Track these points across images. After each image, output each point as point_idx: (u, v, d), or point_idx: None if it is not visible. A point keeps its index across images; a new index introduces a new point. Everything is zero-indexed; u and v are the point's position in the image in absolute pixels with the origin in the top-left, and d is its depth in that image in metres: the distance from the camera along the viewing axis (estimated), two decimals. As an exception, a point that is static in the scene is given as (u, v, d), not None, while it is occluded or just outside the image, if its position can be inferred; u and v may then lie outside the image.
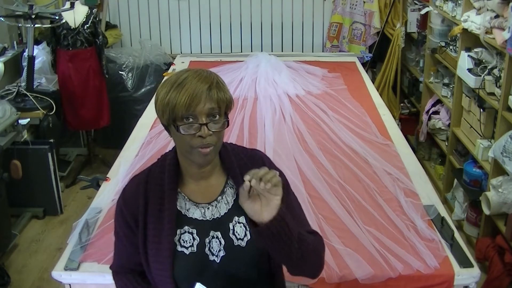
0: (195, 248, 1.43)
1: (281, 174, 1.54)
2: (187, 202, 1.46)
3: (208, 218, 1.45)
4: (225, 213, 1.46)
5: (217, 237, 1.44)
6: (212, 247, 1.43)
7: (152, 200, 1.45)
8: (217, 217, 1.45)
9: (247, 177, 1.27)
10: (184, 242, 1.43)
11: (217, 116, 1.37)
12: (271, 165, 1.54)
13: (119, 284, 1.56)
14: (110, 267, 1.59)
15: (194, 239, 1.43)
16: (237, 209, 1.45)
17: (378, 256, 2.02)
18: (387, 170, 2.67)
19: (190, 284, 1.41)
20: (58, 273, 1.98)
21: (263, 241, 1.31)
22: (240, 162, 1.50)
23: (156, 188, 1.45)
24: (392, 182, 2.56)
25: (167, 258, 1.41)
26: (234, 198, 1.48)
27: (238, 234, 1.44)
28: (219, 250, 1.43)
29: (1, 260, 3.33)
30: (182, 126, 1.35)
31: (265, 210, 1.29)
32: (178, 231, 1.44)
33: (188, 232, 1.44)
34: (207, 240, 1.44)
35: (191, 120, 1.35)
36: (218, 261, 1.43)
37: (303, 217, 1.54)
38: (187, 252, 1.43)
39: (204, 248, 1.43)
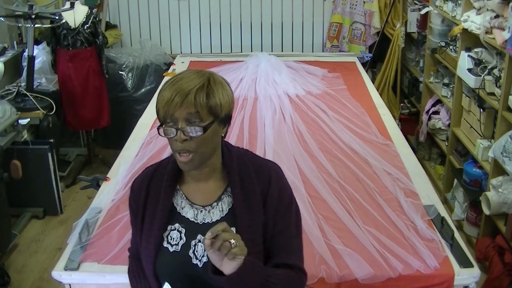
0: (179, 248, 1.43)
1: (289, 192, 1.49)
2: (183, 200, 1.47)
3: (198, 221, 1.44)
4: (217, 220, 1.44)
5: (203, 242, 1.41)
6: (196, 251, 1.42)
7: (152, 194, 1.47)
8: (208, 222, 1.44)
9: (208, 235, 1.23)
10: (171, 239, 1.44)
11: (197, 121, 1.33)
12: (278, 179, 1.48)
13: (129, 266, 1.61)
14: (128, 249, 1.64)
15: (181, 238, 1.43)
16: (230, 218, 1.43)
17: (378, 256, 2.02)
18: (387, 170, 2.67)
19: (162, 283, 1.44)
20: (58, 273, 1.98)
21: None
22: (243, 171, 1.45)
23: (158, 183, 1.47)
24: (392, 182, 2.56)
25: (152, 251, 1.43)
26: (229, 207, 1.45)
27: None
28: (203, 256, 1.42)
29: (1, 260, 3.33)
30: (161, 129, 1.36)
31: (225, 264, 1.26)
32: (169, 227, 1.45)
33: (178, 230, 1.44)
34: (193, 242, 1.43)
35: (170, 124, 1.35)
36: (200, 266, 1.41)
37: (296, 246, 1.47)
38: (170, 249, 1.43)
39: (188, 250, 1.42)
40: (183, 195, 1.47)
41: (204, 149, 1.37)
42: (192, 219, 1.45)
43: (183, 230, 1.44)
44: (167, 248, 1.43)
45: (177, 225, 1.44)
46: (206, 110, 1.34)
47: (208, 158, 1.41)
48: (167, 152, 1.50)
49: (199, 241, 1.43)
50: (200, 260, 1.42)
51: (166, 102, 1.33)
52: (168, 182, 1.46)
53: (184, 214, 1.45)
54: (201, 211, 1.45)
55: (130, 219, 1.56)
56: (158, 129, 1.37)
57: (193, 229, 1.44)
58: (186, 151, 1.35)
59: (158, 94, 1.38)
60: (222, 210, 1.45)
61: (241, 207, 1.42)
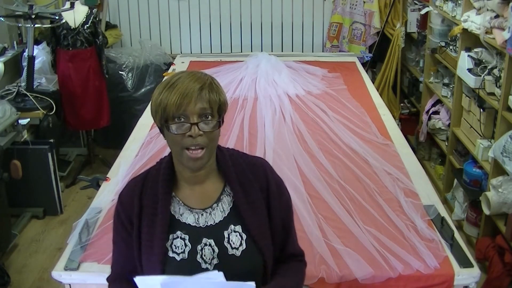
0: (186, 255, 1.41)
1: (284, 185, 1.54)
2: (181, 207, 1.45)
3: (201, 225, 1.44)
4: (220, 221, 1.44)
5: (210, 245, 1.42)
6: (204, 255, 1.41)
7: (146, 203, 1.44)
8: (211, 224, 1.44)
9: None
10: (175, 248, 1.42)
11: (209, 116, 1.36)
12: (273, 175, 1.52)
13: None
14: (107, 279, 1.55)
15: (186, 245, 1.42)
16: (233, 217, 1.44)
17: (378, 256, 2.02)
18: (387, 170, 2.67)
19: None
20: (58, 273, 1.97)
21: None
22: (238, 168, 1.47)
23: (151, 191, 1.44)
24: (392, 182, 2.56)
25: (158, 263, 1.39)
26: (230, 206, 1.45)
27: (233, 243, 1.42)
28: (213, 258, 1.41)
29: (1, 260, 3.32)
30: (173, 125, 1.35)
31: None
32: (170, 236, 1.42)
33: (181, 238, 1.42)
34: (199, 247, 1.42)
35: (182, 119, 1.34)
36: (211, 269, 1.41)
37: (294, 233, 1.56)
38: (178, 258, 1.41)
39: (195, 255, 1.41)
40: (180, 201, 1.45)
41: (213, 145, 1.39)
42: (194, 224, 1.43)
43: (186, 237, 1.42)
44: (174, 257, 1.41)
45: (178, 232, 1.43)
46: (216, 106, 1.38)
47: (211, 157, 1.42)
48: (167, 153, 1.49)
49: (205, 244, 1.42)
50: (210, 264, 1.41)
51: (176, 100, 1.32)
52: (164, 190, 1.43)
53: (184, 221, 1.44)
54: (202, 214, 1.44)
55: (118, 237, 1.48)
56: (167, 126, 1.36)
57: (197, 234, 1.43)
58: (198, 146, 1.35)
59: (158, 98, 1.37)
60: (224, 210, 1.45)
61: (243, 204, 1.43)
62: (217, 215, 1.44)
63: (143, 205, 1.44)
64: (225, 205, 1.46)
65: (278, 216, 1.47)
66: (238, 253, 1.42)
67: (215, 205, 1.45)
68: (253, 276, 1.40)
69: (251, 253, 1.42)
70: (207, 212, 1.44)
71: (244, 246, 1.42)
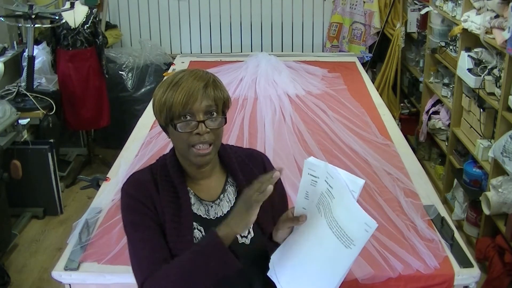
0: None
1: (281, 182, 1.55)
2: (192, 197, 1.46)
3: (212, 217, 1.45)
4: (228, 211, 1.46)
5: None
6: None
7: (164, 193, 1.41)
8: (221, 215, 1.45)
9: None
10: (195, 239, 1.42)
11: (215, 113, 1.38)
12: (270, 165, 1.57)
13: (168, 273, 1.31)
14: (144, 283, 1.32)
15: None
16: None
17: (378, 256, 2.02)
18: (387, 170, 2.67)
19: None
20: (58, 273, 1.98)
21: None
22: (239, 160, 1.51)
23: (165, 183, 1.43)
24: (392, 182, 2.56)
25: None
26: (235, 196, 1.48)
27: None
28: None
29: (1, 260, 3.32)
30: (179, 124, 1.36)
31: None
32: None
33: (198, 229, 1.43)
34: None
35: (188, 118, 1.36)
36: None
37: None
38: None
39: None
40: (191, 191, 1.47)
41: (219, 141, 1.42)
42: (205, 216, 1.45)
43: (202, 229, 1.43)
44: None
45: (195, 224, 1.43)
46: (221, 103, 1.40)
47: (217, 151, 1.44)
48: (167, 152, 1.50)
49: None
50: None
51: (182, 99, 1.33)
52: (179, 180, 1.42)
53: (195, 211, 1.44)
54: (211, 206, 1.46)
55: (144, 219, 1.37)
56: (173, 124, 1.36)
57: (210, 226, 1.41)
58: (206, 143, 1.37)
59: (161, 97, 1.37)
60: (230, 200, 1.47)
61: None
62: (225, 205, 1.46)
63: (160, 193, 1.40)
64: (231, 195, 1.48)
65: (273, 205, 1.48)
66: (247, 241, 1.43)
67: (222, 195, 1.48)
68: (266, 260, 1.41)
69: (260, 239, 1.44)
70: (216, 204, 1.46)
71: (252, 233, 1.44)
